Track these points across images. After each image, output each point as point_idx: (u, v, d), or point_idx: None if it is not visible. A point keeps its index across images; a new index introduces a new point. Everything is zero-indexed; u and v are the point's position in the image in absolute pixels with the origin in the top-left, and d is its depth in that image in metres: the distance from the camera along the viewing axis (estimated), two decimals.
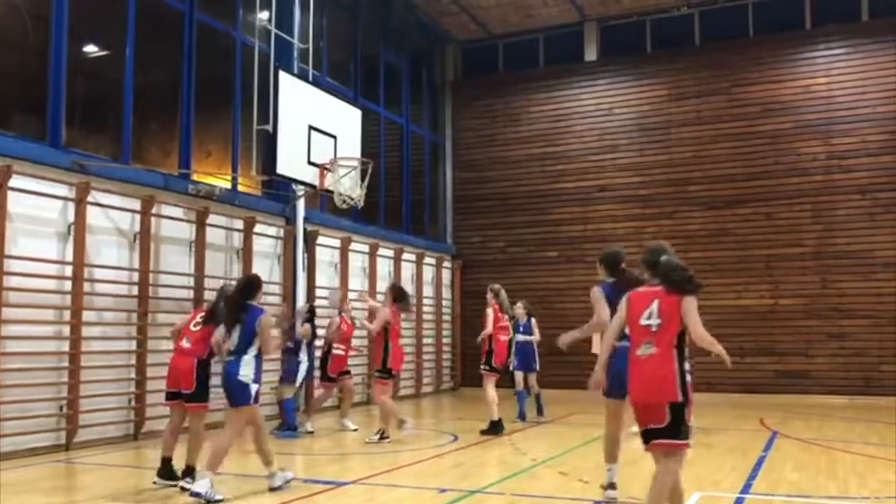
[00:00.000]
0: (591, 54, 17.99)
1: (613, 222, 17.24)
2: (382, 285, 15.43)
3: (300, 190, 12.38)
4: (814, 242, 15.66)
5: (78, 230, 9.18)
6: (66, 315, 9.11)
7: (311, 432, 10.25)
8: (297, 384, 10.51)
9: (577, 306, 17.02)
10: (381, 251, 15.50)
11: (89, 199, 9.36)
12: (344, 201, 11.82)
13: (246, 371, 6.38)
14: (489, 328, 10.58)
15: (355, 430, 10.60)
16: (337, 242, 14.23)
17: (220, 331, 6.65)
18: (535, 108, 18.26)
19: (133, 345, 9.98)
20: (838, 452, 8.55)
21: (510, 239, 18.06)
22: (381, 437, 9.48)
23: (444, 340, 17.83)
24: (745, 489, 6.58)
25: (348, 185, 11.79)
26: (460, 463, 8.08)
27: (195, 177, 11.45)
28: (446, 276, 18.18)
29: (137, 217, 10.13)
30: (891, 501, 6.13)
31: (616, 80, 17.68)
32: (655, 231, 16.85)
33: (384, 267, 15.75)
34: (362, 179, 12.02)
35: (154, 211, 10.30)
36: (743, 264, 16.11)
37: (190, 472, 6.56)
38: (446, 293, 18.10)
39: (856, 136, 15.63)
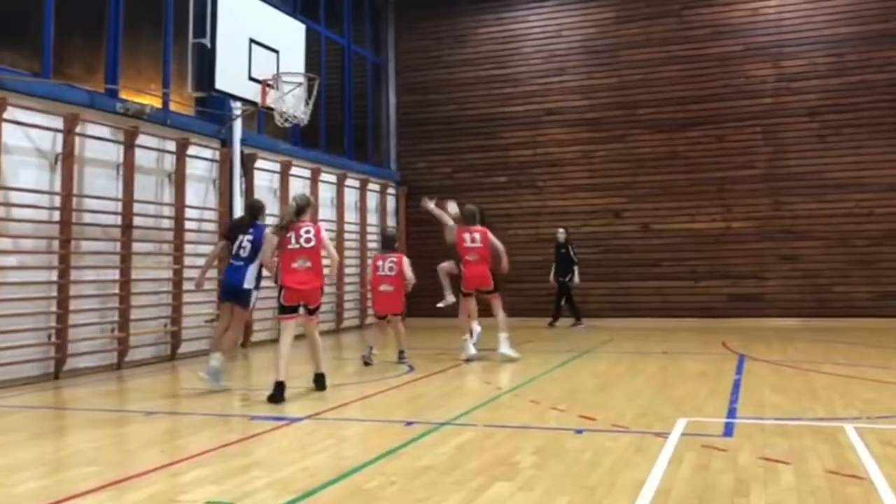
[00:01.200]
0: None
1: (562, 146, 16.73)
2: (325, 212, 14.71)
3: (239, 108, 11.43)
4: (765, 165, 15.47)
5: None
6: None
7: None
8: None
9: (527, 232, 16.62)
10: (322, 177, 14.66)
11: (6, 115, 8.32)
12: (287, 120, 10.92)
13: (249, 279, 7.90)
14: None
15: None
16: (276, 167, 13.35)
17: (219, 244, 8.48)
18: (481, 30, 17.42)
19: (54, 275, 9.05)
20: (811, 373, 8.35)
21: (457, 164, 17.40)
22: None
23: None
24: (731, 413, 6.24)
25: (292, 103, 10.88)
26: (421, 394, 7.57)
27: (123, 94, 10.41)
28: (391, 202, 17.48)
29: (60, 136, 9.11)
30: (881, 421, 5.86)
31: (564, 1, 16.95)
32: (605, 155, 16.44)
33: (326, 193, 14.94)
34: (308, 96, 11.12)
35: (78, 130, 9.29)
36: (695, 187, 15.85)
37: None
38: (391, 220, 17.41)
39: (804, 58, 15.36)
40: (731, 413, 6.25)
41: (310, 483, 4.41)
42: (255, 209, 8.41)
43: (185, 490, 4.32)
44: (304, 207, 7.61)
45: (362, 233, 16.02)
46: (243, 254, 7.98)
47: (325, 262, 7.58)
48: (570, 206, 16.50)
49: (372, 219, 16.63)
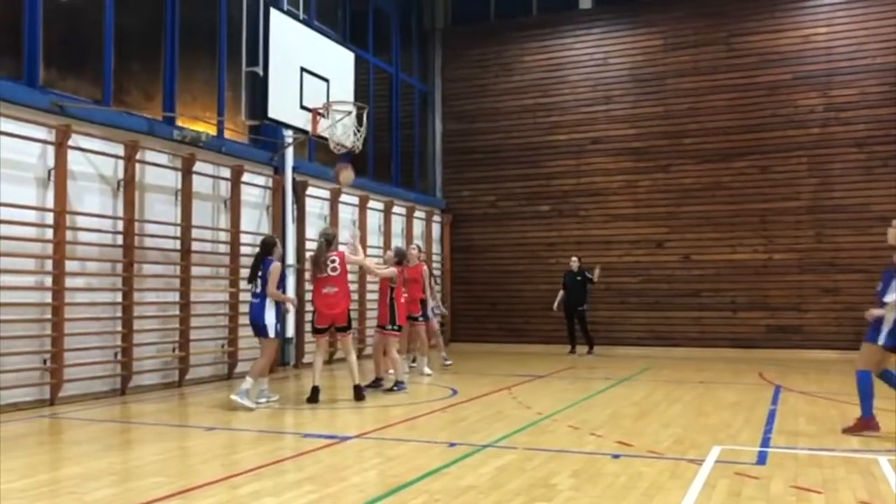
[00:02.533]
0: (585, 2, 17.49)
1: (606, 175, 16.94)
2: (372, 239, 15.12)
3: (290, 136, 11.91)
4: (809, 196, 15.47)
5: (59, 175, 8.69)
6: (49, 265, 8.68)
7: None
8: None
9: (570, 261, 16.81)
10: (371, 204, 15.09)
11: (70, 142, 8.86)
12: (338, 148, 11.36)
13: (268, 313, 8.40)
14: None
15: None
16: (326, 194, 13.80)
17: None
18: (527, 58, 17.77)
19: (118, 296, 9.57)
20: (847, 405, 8.40)
21: (501, 193, 17.71)
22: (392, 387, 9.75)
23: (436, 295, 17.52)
24: (765, 442, 6.39)
25: (342, 131, 11.33)
26: (464, 417, 7.83)
27: (180, 122, 10.94)
28: (436, 230, 17.83)
29: (121, 163, 9.65)
30: None
31: (611, 28, 17.22)
32: (649, 185, 16.59)
33: (374, 220, 15.36)
34: (359, 124, 11.56)
35: (138, 157, 9.81)
36: (737, 218, 15.91)
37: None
38: (436, 248, 17.77)
39: (854, 87, 15.35)
40: (766, 442, 6.39)
41: (359, 498, 4.72)
42: (266, 245, 8.68)
43: (244, 501, 4.65)
44: (332, 241, 8.78)
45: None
46: (256, 289, 8.51)
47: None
48: (612, 236, 16.67)
49: (420, 245, 16.97)
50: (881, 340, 6.57)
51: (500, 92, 17.90)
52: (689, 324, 15.96)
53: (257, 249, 8.84)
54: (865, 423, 6.65)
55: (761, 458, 5.78)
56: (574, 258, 15.57)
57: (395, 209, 16.04)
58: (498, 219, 17.63)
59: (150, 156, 10.11)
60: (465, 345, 16.91)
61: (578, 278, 15.33)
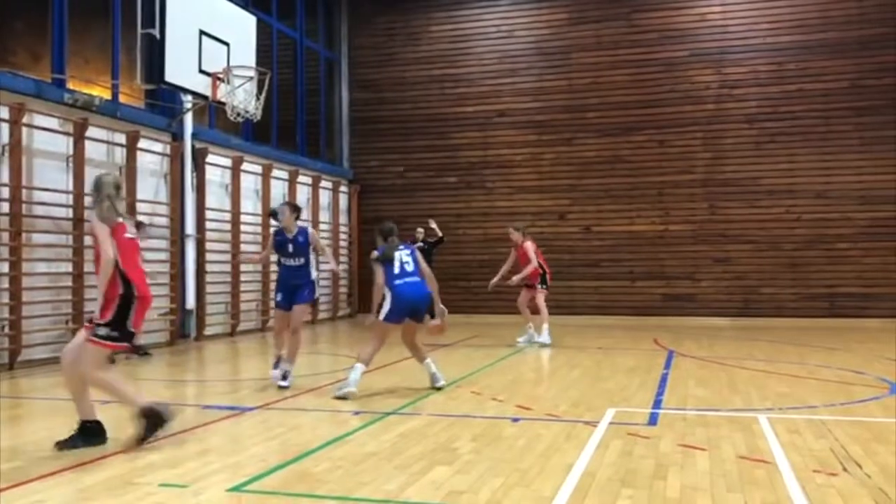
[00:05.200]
0: None
1: (511, 148, 17.15)
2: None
3: (189, 102, 11.54)
4: (703, 170, 16.11)
5: None
6: None
7: None
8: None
9: (477, 233, 17.02)
10: (275, 173, 14.82)
11: None
12: (239, 114, 11.09)
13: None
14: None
15: None
16: (228, 162, 13.47)
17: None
18: (434, 28, 17.72)
19: (5, 266, 9.10)
20: (734, 369, 8.89)
21: (409, 163, 17.69)
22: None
23: (341, 267, 17.42)
24: (657, 404, 6.69)
25: (243, 98, 11.06)
26: (368, 386, 7.85)
27: (71, 85, 10.43)
28: (343, 200, 17.69)
29: (6, 126, 9.14)
30: (791, 412, 6.36)
31: (517, 1, 17.34)
32: (553, 157, 16.90)
33: (278, 190, 15.10)
34: (259, 91, 11.30)
35: (25, 120, 9.32)
36: (636, 191, 16.42)
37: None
38: (343, 218, 17.65)
39: (746, 65, 16.01)
40: (657, 404, 6.69)
41: (261, 467, 4.69)
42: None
43: (142, 474, 4.56)
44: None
45: (314, 230, 16.18)
46: (409, 267, 7.63)
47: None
48: (517, 207, 16.92)
49: (324, 216, 16.83)
50: None
51: (408, 61, 17.81)
52: (590, 293, 16.45)
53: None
54: None
55: (653, 419, 6.05)
56: (420, 229, 15.02)
57: (301, 179, 15.82)
58: (406, 190, 17.62)
59: (39, 119, 9.63)
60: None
61: (425, 248, 15.37)
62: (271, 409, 6.61)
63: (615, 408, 6.45)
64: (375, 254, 7.61)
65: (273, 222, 9.83)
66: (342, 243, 17.48)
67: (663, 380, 8.09)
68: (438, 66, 17.59)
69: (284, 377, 7.67)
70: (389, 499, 4.10)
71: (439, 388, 7.44)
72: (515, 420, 6.04)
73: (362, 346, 7.77)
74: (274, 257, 8.52)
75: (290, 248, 7.92)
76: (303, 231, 7.99)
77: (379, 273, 7.45)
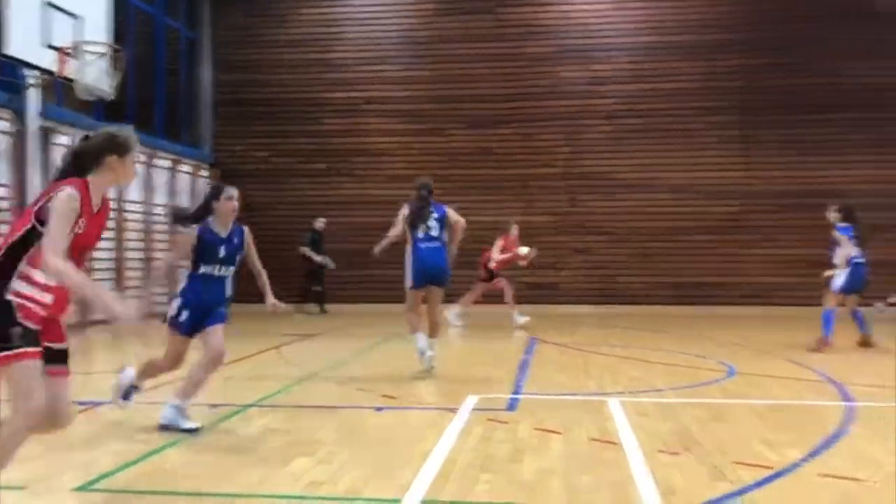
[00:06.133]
0: None
1: (381, 136, 17.10)
2: (133, 194, 14.17)
3: (34, 77, 10.79)
4: (565, 164, 16.66)
5: None
6: None
7: None
8: None
9: (346, 221, 16.86)
10: None
11: None
12: (90, 93, 10.48)
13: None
14: None
15: None
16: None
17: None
18: (304, 11, 17.38)
19: None
20: (591, 354, 9.28)
21: (277, 149, 17.29)
22: None
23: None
24: (517, 390, 6.88)
25: (95, 75, 10.45)
26: (228, 378, 7.64)
27: None
28: (204, 185, 17.06)
29: None
30: (641, 395, 6.71)
31: None
32: (422, 147, 17.00)
33: None
34: (113, 68, 10.71)
35: None
36: (503, 183, 16.77)
37: None
38: None
39: (608, 63, 16.67)
40: (518, 390, 6.90)
41: (112, 464, 4.48)
42: (428, 188, 7.86)
43: None
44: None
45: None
46: (433, 232, 7.71)
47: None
48: (388, 196, 16.85)
49: (184, 202, 16.17)
50: None
51: (276, 44, 17.37)
52: (458, 282, 16.61)
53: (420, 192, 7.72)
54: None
55: (512, 405, 6.23)
56: (322, 219, 15.70)
57: (159, 162, 15.14)
58: (272, 175, 17.21)
59: None
60: (238, 305, 16.41)
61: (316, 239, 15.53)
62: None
63: (477, 395, 6.58)
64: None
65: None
66: None
67: (524, 366, 8.33)
68: (308, 51, 17.27)
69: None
70: (247, 492, 4.01)
71: (428, 370, 7.53)
72: (379, 409, 6.05)
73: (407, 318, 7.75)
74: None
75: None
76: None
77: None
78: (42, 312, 3.35)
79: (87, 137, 3.62)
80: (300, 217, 16.36)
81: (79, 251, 3.42)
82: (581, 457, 4.68)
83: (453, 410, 5.92)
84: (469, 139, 16.85)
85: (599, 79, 16.64)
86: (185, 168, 16.25)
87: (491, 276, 13.24)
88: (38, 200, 3.42)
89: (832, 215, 9.90)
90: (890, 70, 15.68)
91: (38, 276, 3.31)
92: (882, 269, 15.20)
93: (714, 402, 6.45)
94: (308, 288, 15.52)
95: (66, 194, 3.32)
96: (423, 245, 7.58)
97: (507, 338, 11.22)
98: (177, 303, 5.41)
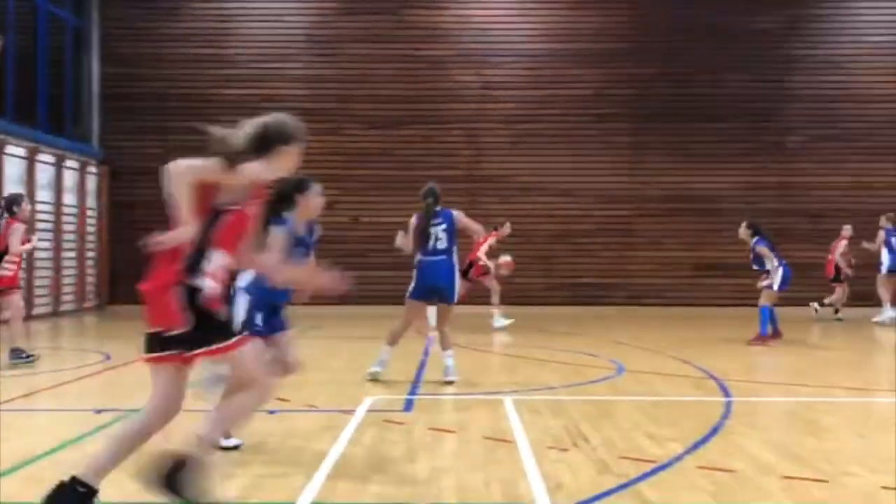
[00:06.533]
0: None
1: None
2: (12, 188, 13.42)
3: None
4: (465, 166, 16.84)
5: None
6: None
7: None
8: None
9: None
10: (9, 150, 13.37)
11: None
12: None
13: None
14: None
15: None
16: None
17: None
18: (196, 4, 16.92)
19: None
20: (488, 354, 9.44)
21: (169, 145, 16.63)
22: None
23: (89, 255, 16.14)
24: (414, 391, 6.92)
25: None
26: (116, 383, 7.39)
27: None
28: (92, 182, 16.36)
29: None
30: (534, 393, 6.87)
31: None
32: (321, 147, 16.80)
33: (14, 169, 13.64)
34: None
35: None
36: (404, 184, 16.76)
37: None
38: (91, 202, 16.31)
39: (505, 69, 16.97)
40: (414, 391, 6.93)
41: None
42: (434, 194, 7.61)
43: None
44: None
45: (57, 214, 14.84)
46: (441, 245, 7.36)
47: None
48: None
49: (69, 199, 15.45)
50: None
51: (168, 38, 16.84)
52: (360, 283, 16.56)
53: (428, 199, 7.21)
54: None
55: (408, 406, 6.26)
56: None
57: (42, 157, 14.41)
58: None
59: None
60: (125, 307, 15.81)
61: None
62: (3, 411, 5.96)
63: (374, 396, 6.57)
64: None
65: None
66: (89, 228, 16.16)
67: (422, 367, 8.38)
68: (201, 45, 16.82)
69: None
70: (127, 501, 3.86)
71: (450, 383, 7.08)
72: (272, 412, 5.95)
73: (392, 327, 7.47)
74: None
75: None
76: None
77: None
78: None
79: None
80: None
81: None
82: (474, 455, 4.75)
83: (348, 412, 5.89)
84: (370, 140, 16.81)
85: (497, 83, 16.91)
86: (72, 164, 15.52)
87: (486, 271, 13.20)
88: None
89: (743, 232, 10.61)
90: (760, 85, 16.66)
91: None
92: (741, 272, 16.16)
93: (603, 399, 6.66)
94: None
95: None
96: (426, 259, 7.34)
97: (407, 339, 11.21)
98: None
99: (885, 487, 4.02)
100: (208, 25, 16.86)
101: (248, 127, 3.50)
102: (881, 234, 13.90)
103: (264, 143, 3.41)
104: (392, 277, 16.62)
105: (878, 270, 13.90)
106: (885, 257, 13.77)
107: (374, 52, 16.91)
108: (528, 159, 16.78)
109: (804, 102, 16.86)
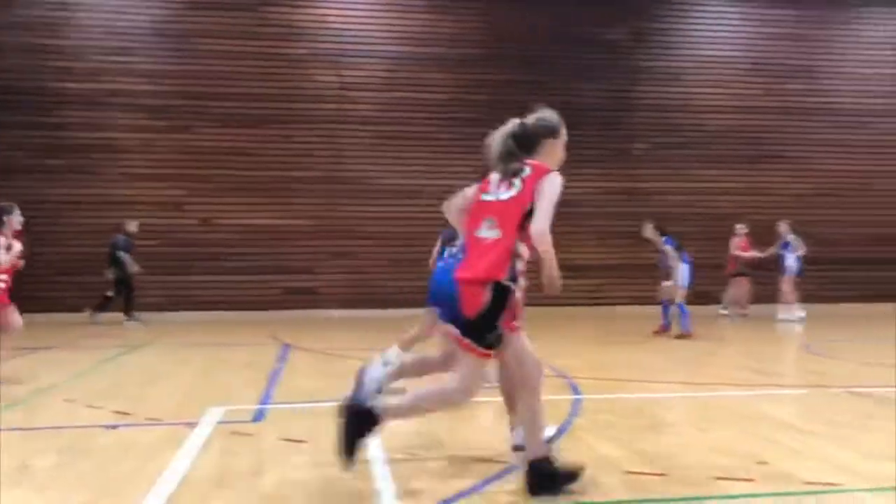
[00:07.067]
0: None
1: (124, 131, 15.99)
2: None
3: None
4: (323, 167, 16.60)
5: None
6: None
7: None
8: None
9: (87, 222, 15.53)
10: None
11: None
12: None
13: None
14: None
15: None
16: None
17: None
18: None
19: None
20: (347, 359, 9.26)
21: (6, 142, 15.47)
22: None
23: None
24: (265, 400, 6.69)
25: None
26: None
27: None
28: None
29: None
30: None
31: None
32: (169, 145, 16.10)
33: None
34: None
35: None
36: (259, 184, 16.35)
37: None
38: None
39: (362, 70, 16.86)
40: (266, 399, 6.70)
41: None
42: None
43: None
44: None
45: None
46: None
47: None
48: (133, 196, 15.80)
49: None
50: None
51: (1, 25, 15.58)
52: (209, 287, 16.00)
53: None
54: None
55: (259, 416, 6.03)
56: (135, 222, 14.80)
57: None
58: (4, 172, 15.34)
59: None
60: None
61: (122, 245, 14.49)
62: None
63: (222, 406, 6.29)
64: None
65: None
66: None
67: (275, 374, 8.13)
68: (36, 35, 15.67)
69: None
70: None
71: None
72: (111, 427, 5.58)
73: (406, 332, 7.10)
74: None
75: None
76: None
77: None
78: None
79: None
80: (40, 217, 14.65)
81: None
82: (326, 465, 4.62)
83: (193, 425, 5.61)
84: (222, 138, 16.23)
85: (354, 84, 16.77)
86: None
87: None
88: None
89: (649, 232, 11.05)
90: (608, 94, 17.44)
91: None
92: (611, 272, 16.88)
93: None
94: (107, 297, 14.28)
95: None
96: (440, 263, 6.88)
97: (257, 345, 10.90)
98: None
99: (719, 478, 4.25)
100: (44, 14, 15.73)
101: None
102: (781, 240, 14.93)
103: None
104: (246, 281, 16.18)
105: (782, 273, 14.91)
106: (790, 260, 14.74)
107: (230, 49, 16.35)
108: (387, 161, 16.74)
109: (648, 112, 17.77)
